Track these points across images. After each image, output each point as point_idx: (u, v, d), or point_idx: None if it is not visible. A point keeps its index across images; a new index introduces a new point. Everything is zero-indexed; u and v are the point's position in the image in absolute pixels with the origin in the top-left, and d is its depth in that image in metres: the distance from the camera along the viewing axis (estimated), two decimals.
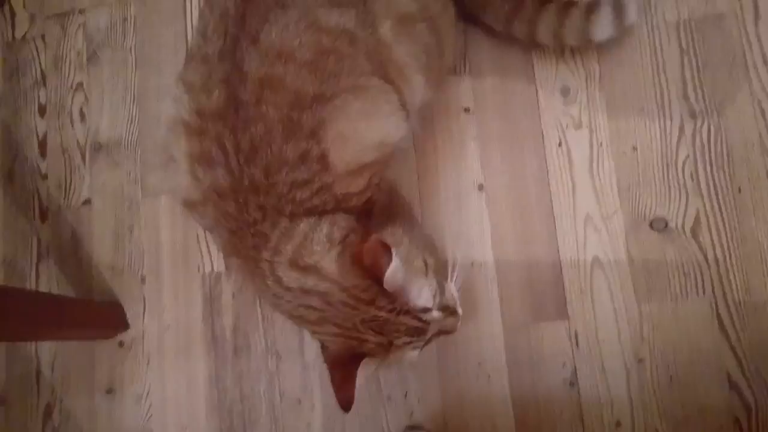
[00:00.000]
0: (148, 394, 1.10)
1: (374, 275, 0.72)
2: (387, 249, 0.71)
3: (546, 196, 1.02)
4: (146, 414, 1.09)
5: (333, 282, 0.75)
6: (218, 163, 0.75)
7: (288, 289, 0.77)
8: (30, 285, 1.15)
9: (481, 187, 1.04)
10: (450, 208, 1.04)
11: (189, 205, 0.81)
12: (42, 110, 1.23)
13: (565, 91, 1.03)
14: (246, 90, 0.73)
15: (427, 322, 0.77)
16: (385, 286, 0.72)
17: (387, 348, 0.77)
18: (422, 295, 0.77)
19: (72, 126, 1.22)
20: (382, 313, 0.75)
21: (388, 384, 1.02)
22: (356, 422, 1.03)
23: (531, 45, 1.02)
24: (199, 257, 1.12)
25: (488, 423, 0.99)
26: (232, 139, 0.74)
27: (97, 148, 1.20)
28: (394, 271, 0.71)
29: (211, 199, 0.77)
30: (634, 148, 1.01)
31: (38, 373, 1.14)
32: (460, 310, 0.82)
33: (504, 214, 1.03)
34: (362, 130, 0.79)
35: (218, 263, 1.11)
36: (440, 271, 0.83)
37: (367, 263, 0.73)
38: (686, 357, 0.95)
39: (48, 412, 1.13)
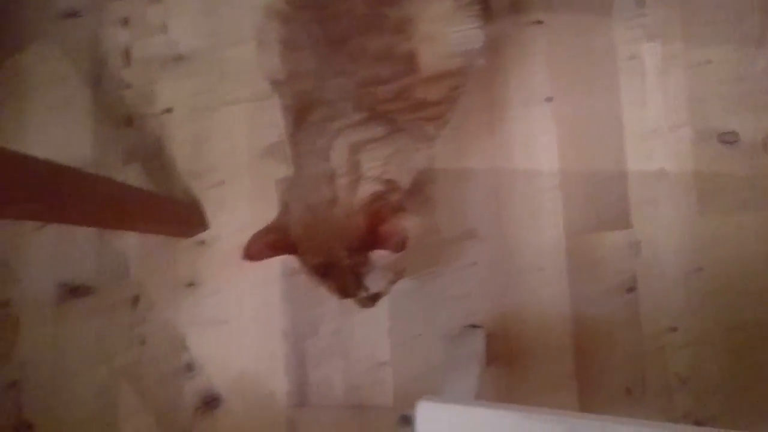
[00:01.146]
0: (226, 288, 1.19)
1: (373, 241, 0.76)
2: (402, 245, 0.74)
3: (615, 108, 1.03)
4: (225, 306, 1.19)
5: (344, 198, 0.78)
6: (305, 47, 0.80)
7: (323, 157, 0.79)
8: None
9: (549, 99, 1.06)
10: (517, 118, 1.07)
11: (274, 83, 0.86)
12: (125, 21, 1.29)
13: (640, 2, 1.03)
14: None
15: (352, 294, 0.81)
16: (373, 257, 0.76)
17: (316, 270, 0.80)
18: (376, 282, 0.80)
19: (153, 37, 1.28)
20: (344, 258, 0.77)
21: (449, 284, 1.08)
22: (420, 317, 1.09)
23: None
24: (275, 164, 1.18)
25: (546, 325, 1.04)
26: (320, 28, 0.78)
27: (178, 58, 1.26)
28: (388, 257, 0.75)
29: (295, 79, 0.82)
30: (709, 61, 1.00)
31: (126, 266, 1.24)
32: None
33: (572, 125, 1.05)
34: (448, 32, 0.81)
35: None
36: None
37: (379, 229, 0.76)
38: (744, 268, 0.98)
39: (135, 302, 1.23)
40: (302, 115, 0.84)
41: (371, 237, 0.76)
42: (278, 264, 1.16)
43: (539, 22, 1.08)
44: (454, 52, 0.83)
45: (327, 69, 0.79)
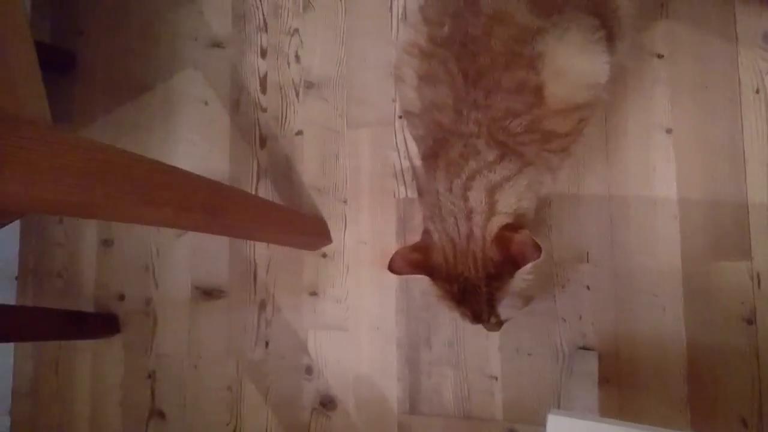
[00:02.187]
0: (345, 298, 1.28)
1: (510, 261, 0.82)
2: (538, 247, 0.80)
3: (738, 140, 1.04)
4: (344, 315, 1.28)
5: (479, 233, 0.86)
6: (443, 82, 0.87)
7: (461, 198, 0.87)
8: None
9: (669, 131, 1.09)
10: (636, 147, 1.10)
11: (408, 114, 0.94)
12: (263, 52, 1.43)
13: (765, 36, 1.04)
14: (477, 23, 0.84)
15: (485, 320, 0.87)
16: (514, 281, 0.83)
17: (452, 296, 0.87)
18: (507, 309, 0.87)
19: (288, 66, 1.40)
20: (482, 286, 0.85)
21: (563, 306, 1.12)
22: (532, 338, 1.14)
23: None
24: (395, 184, 1.27)
25: (659, 352, 1.06)
26: (459, 64, 0.85)
27: (309, 85, 1.38)
28: (530, 272, 0.81)
29: (430, 111, 0.89)
30: None
31: (255, 273, 1.36)
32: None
33: (691, 155, 1.07)
34: (577, 67, 0.86)
35: (411, 190, 1.25)
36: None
37: (512, 249, 0.82)
38: None
39: (262, 306, 1.35)
40: (436, 148, 0.91)
41: (507, 261, 0.83)
42: (395, 279, 1.24)
43: (660, 56, 1.10)
44: (582, 85, 0.88)
45: (463, 103, 0.86)
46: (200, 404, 1.37)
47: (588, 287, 1.11)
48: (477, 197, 0.86)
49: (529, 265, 0.80)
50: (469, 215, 0.86)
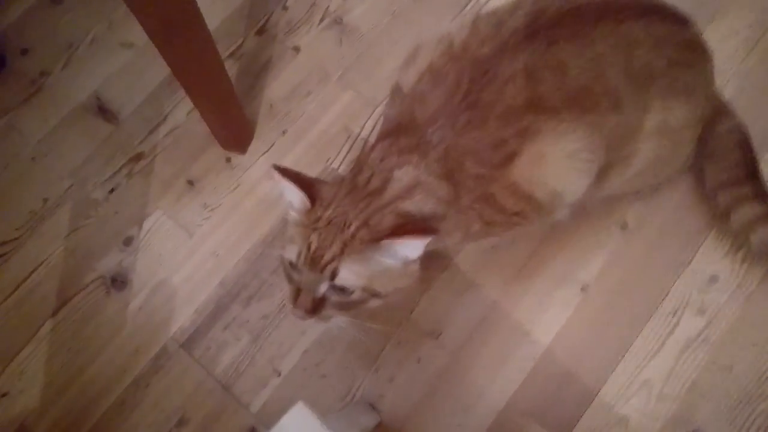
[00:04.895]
0: (213, 209, 1.18)
1: (392, 232, 0.75)
2: (432, 230, 0.75)
3: (630, 339, 1.02)
4: (199, 221, 1.17)
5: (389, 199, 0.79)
6: (443, 86, 0.82)
7: (381, 178, 0.80)
8: None
9: (583, 289, 1.06)
10: (547, 283, 1.07)
11: (395, 90, 0.89)
12: None
13: (713, 279, 1.04)
14: (510, 66, 0.80)
15: (321, 272, 0.76)
16: (385, 240, 0.75)
17: (311, 223, 0.78)
18: (349, 276, 0.76)
19: None
20: (352, 228, 0.76)
21: (385, 360, 1.05)
22: (338, 365, 1.06)
23: (718, 220, 1.04)
24: (336, 153, 1.20)
25: None
26: (469, 83, 0.81)
27: (338, 21, 1.32)
28: (395, 246, 0.75)
29: (414, 100, 0.84)
30: (729, 368, 1.00)
31: (158, 126, 1.25)
32: (311, 317, 0.79)
33: (588, 320, 1.04)
34: (557, 168, 0.84)
35: (344, 168, 1.18)
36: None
37: (403, 227, 0.76)
38: None
39: (138, 157, 1.23)
40: (395, 131, 0.86)
41: (392, 229, 0.75)
42: (266, 229, 1.15)
43: (624, 227, 1.10)
44: (549, 185, 0.85)
45: (444, 115, 0.81)
46: (9, 193, 1.21)
47: (419, 360, 1.05)
48: (393, 188, 0.80)
49: (402, 243, 0.74)
50: (372, 195, 0.79)
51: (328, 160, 1.20)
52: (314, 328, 1.07)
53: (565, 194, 0.88)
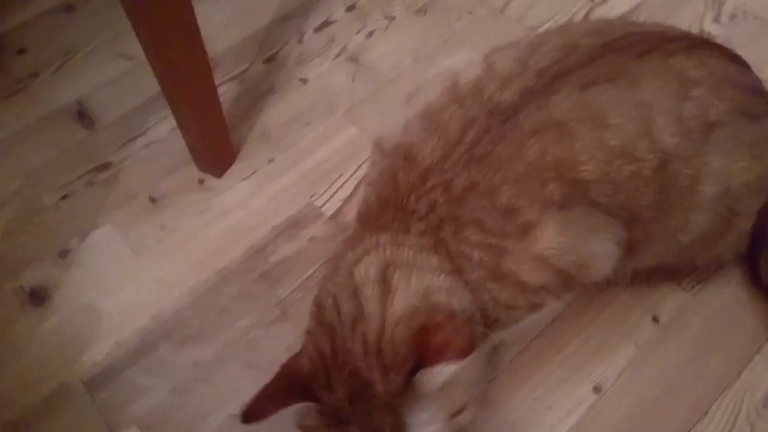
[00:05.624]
0: (169, 233, 1.01)
1: (419, 356, 0.55)
2: (466, 347, 0.54)
3: None
4: (148, 243, 1.00)
5: (378, 317, 0.60)
6: (441, 136, 0.66)
7: (359, 282, 0.63)
8: None
9: (597, 390, 0.83)
10: (558, 377, 0.84)
11: (377, 146, 0.73)
12: (351, 6, 1.28)
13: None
14: (529, 117, 0.64)
15: None
16: (420, 374, 0.55)
17: (338, 422, 0.58)
18: (428, 430, 0.58)
19: (357, 33, 1.25)
20: (378, 388, 0.56)
21: None
22: None
23: None
24: (323, 191, 1.04)
25: None
26: (477, 134, 0.65)
27: (353, 59, 1.21)
28: (442, 374, 0.54)
29: (397, 158, 0.68)
30: None
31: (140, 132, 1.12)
32: None
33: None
34: (582, 234, 0.67)
35: (323, 224, 1.01)
36: None
37: (428, 340, 0.56)
38: None
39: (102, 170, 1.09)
40: (370, 209, 0.70)
41: (416, 351, 0.56)
42: (228, 261, 0.97)
43: (656, 320, 0.87)
44: (576, 254, 0.66)
45: (437, 174, 0.65)
46: None
47: None
48: (371, 274, 0.63)
49: (442, 367, 0.54)
50: (355, 291, 0.62)
51: (312, 196, 1.03)
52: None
53: (594, 261, 0.69)
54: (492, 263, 0.64)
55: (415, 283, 0.62)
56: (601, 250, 0.69)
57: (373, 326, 0.59)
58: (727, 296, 0.87)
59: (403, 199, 0.66)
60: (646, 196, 0.68)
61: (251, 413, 0.56)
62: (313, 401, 0.58)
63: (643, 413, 0.80)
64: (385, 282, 0.62)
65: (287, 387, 0.58)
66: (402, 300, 0.60)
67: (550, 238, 0.64)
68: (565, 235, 0.65)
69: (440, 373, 0.54)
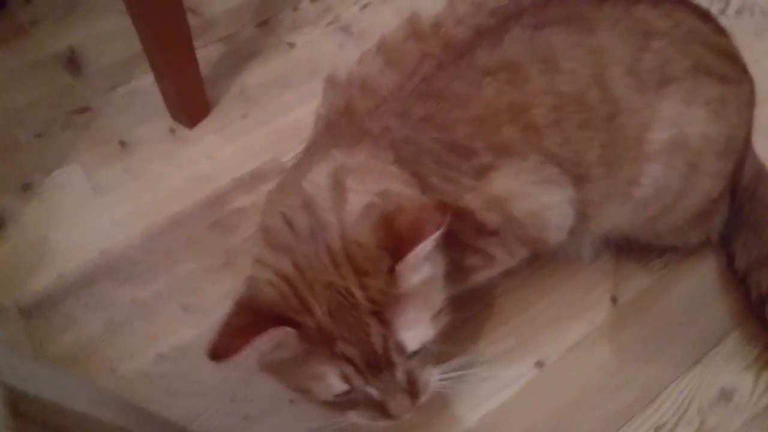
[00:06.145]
0: (140, 174, 1.00)
1: (393, 248, 0.52)
2: (439, 215, 0.52)
3: None
4: (118, 181, 0.99)
5: (336, 221, 0.56)
6: (398, 69, 0.64)
7: (311, 193, 0.59)
8: None
9: (540, 364, 0.77)
10: (501, 349, 0.79)
11: (330, 81, 0.70)
12: None
13: (725, 395, 0.74)
14: (484, 55, 0.62)
15: (389, 363, 0.53)
16: (400, 265, 0.52)
17: (322, 342, 0.53)
18: (416, 331, 0.54)
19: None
20: (358, 295, 0.52)
21: None
22: None
23: (748, 314, 0.75)
24: (291, 146, 1.01)
25: None
26: (432, 68, 0.62)
27: (345, 29, 1.19)
28: (423, 254, 0.52)
29: (351, 88, 0.66)
30: None
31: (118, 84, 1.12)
32: (420, 401, 0.58)
33: (534, 409, 0.74)
34: (536, 183, 0.63)
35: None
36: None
37: (396, 226, 0.52)
38: None
39: (83, 110, 1.09)
40: (325, 130, 0.67)
41: (386, 244, 0.53)
42: (185, 207, 0.95)
43: (614, 300, 0.82)
44: (533, 202, 0.64)
45: (392, 103, 0.62)
46: None
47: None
48: (318, 179, 0.59)
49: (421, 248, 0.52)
50: (307, 202, 0.58)
51: (279, 152, 1.01)
52: (183, 333, 0.82)
53: (553, 215, 0.66)
54: (452, 195, 0.61)
55: (370, 184, 0.58)
56: (553, 203, 0.65)
57: (335, 233, 0.54)
58: (693, 282, 0.81)
59: (357, 121, 0.63)
60: (595, 150, 0.64)
61: (219, 350, 0.51)
62: (290, 326, 0.52)
63: (584, 393, 0.75)
64: (338, 186, 0.58)
65: (255, 319, 0.52)
66: (356, 198, 0.56)
67: (505, 182, 0.62)
68: (518, 181, 0.62)
69: (418, 262, 0.52)
